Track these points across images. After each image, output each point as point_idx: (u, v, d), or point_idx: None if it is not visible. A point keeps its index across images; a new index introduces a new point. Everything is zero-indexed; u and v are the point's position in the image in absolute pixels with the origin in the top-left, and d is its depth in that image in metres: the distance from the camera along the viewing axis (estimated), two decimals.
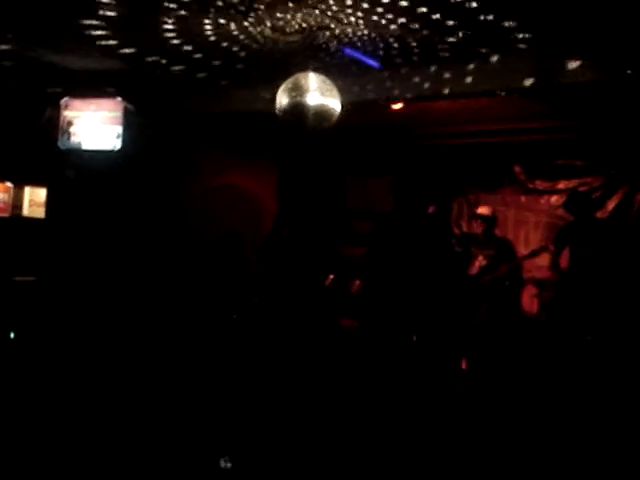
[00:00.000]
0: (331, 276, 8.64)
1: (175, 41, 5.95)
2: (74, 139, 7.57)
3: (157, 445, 5.01)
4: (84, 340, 7.37)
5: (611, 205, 8.36)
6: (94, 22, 5.49)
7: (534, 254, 7.92)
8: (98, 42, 6.00)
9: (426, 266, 8.77)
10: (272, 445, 5.14)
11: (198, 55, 6.35)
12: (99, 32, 5.73)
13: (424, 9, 4.99)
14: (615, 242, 7.49)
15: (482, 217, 8.00)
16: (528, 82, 5.98)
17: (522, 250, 8.72)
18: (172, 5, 5.08)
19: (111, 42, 6.01)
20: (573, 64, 5.73)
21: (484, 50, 5.88)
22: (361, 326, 8.17)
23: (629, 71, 5.55)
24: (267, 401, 6.14)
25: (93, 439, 5.05)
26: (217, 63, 6.57)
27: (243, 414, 5.80)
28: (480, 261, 7.86)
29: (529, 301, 8.60)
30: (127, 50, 6.26)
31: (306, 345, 7.71)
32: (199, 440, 5.17)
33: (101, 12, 5.26)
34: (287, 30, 5.56)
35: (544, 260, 8.32)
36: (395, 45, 5.83)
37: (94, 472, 4.52)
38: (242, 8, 5.12)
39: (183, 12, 5.23)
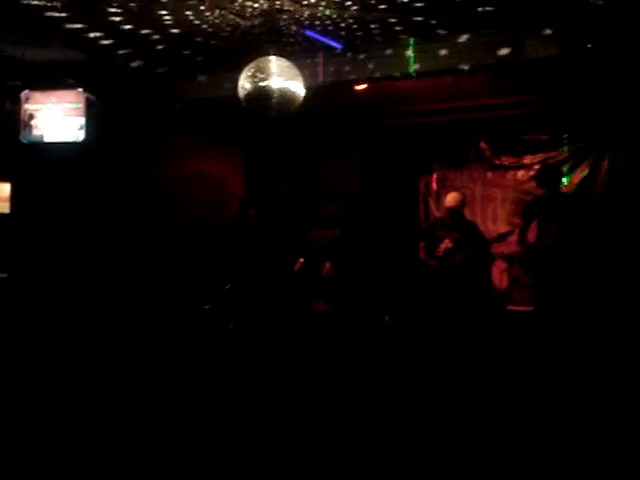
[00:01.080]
0: (301, 260, 8.65)
1: (131, 28, 5.88)
2: (36, 132, 7.48)
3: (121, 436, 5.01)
4: (57, 334, 7.33)
5: (576, 178, 8.44)
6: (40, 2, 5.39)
7: (501, 238, 7.97)
8: (52, 29, 5.90)
9: (393, 248, 8.84)
10: (246, 428, 5.16)
11: (157, 43, 6.29)
12: (50, 14, 5.62)
13: None
14: (581, 215, 7.56)
15: (450, 210, 8.02)
16: (490, 59, 5.99)
17: (490, 226, 8.80)
18: None
19: (67, 27, 5.91)
20: (534, 39, 5.75)
21: (445, 28, 5.88)
22: (333, 308, 8.19)
23: (589, 45, 5.59)
24: (243, 386, 6.15)
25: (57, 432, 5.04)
26: (177, 50, 6.52)
27: (219, 399, 5.81)
28: (446, 244, 7.90)
29: (499, 276, 8.68)
30: (85, 39, 6.18)
31: (279, 329, 7.72)
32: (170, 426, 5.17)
33: None
34: (247, 14, 5.53)
35: (512, 235, 8.39)
36: (356, 26, 5.82)
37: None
38: None
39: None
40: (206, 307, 7.58)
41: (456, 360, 6.86)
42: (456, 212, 7.98)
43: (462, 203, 8.07)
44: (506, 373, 6.48)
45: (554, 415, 5.37)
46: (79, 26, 5.89)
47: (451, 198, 8.08)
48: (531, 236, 7.56)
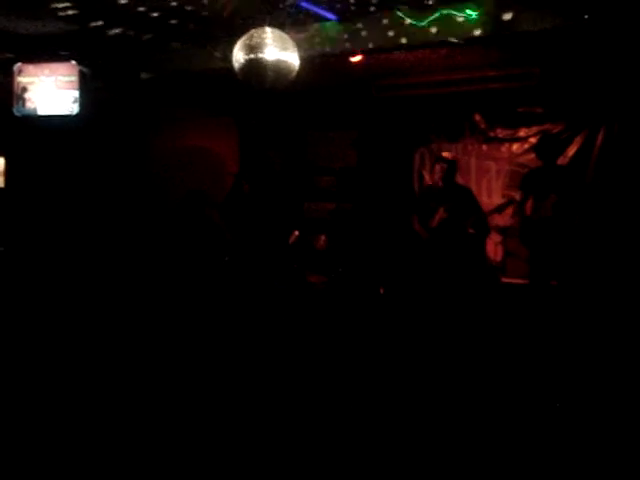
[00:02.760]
0: (296, 232, 8.65)
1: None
2: (29, 105, 7.45)
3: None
4: (53, 306, 7.34)
5: (571, 151, 8.43)
6: None
7: (500, 209, 7.96)
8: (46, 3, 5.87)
9: (389, 220, 8.82)
10: (242, 405, 5.18)
11: (151, 14, 6.24)
12: None
13: None
14: (576, 188, 7.57)
15: (444, 159, 7.91)
16: (485, 31, 5.96)
17: (484, 198, 8.79)
18: None
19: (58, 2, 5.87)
20: (529, 12, 5.72)
21: None
22: (328, 281, 8.21)
23: (586, 16, 5.56)
24: (240, 362, 6.17)
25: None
26: (172, 21, 6.47)
27: (214, 376, 5.83)
28: (440, 214, 7.84)
29: (493, 248, 8.70)
30: (77, 10, 6.13)
31: (275, 303, 7.74)
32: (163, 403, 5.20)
33: None
34: None
35: (507, 207, 8.40)
36: None
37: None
38: None
39: None
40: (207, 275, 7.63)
41: (450, 332, 6.88)
42: (450, 162, 7.81)
43: (454, 159, 7.97)
44: (499, 345, 6.51)
45: (548, 390, 5.40)
46: (72, 4, 5.88)
47: (446, 152, 8.10)
48: (528, 209, 7.57)
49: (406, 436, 4.61)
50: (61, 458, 4.27)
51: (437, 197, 7.89)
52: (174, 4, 5.93)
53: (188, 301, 7.57)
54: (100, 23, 6.50)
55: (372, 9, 6.12)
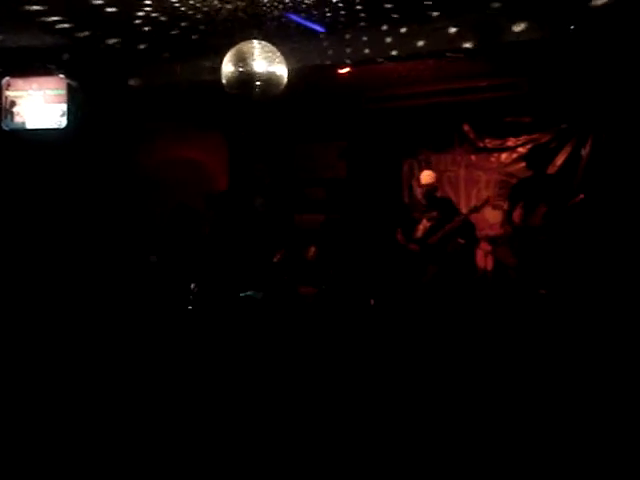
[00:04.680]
0: (282, 251, 8.64)
1: (113, 12, 5.82)
2: (18, 119, 7.44)
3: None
4: (36, 324, 7.31)
5: (559, 160, 8.46)
6: None
7: (476, 209, 7.99)
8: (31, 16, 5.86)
9: (378, 231, 8.84)
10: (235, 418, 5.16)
11: (139, 27, 6.24)
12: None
13: None
14: (564, 197, 7.60)
15: (425, 187, 8.09)
16: (473, 42, 5.98)
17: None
18: None
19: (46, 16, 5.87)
20: (517, 23, 5.74)
21: (429, 10, 5.86)
22: (319, 292, 8.20)
23: (572, 27, 5.59)
24: (230, 373, 6.15)
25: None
26: (160, 35, 6.47)
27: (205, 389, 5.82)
28: (424, 224, 7.94)
29: (483, 258, 8.71)
30: (65, 24, 6.13)
31: (267, 316, 7.73)
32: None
33: None
34: None
35: (496, 217, 8.42)
36: (340, 7, 5.79)
37: None
38: None
39: None
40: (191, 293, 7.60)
41: (441, 342, 6.88)
42: (432, 189, 8.04)
43: (436, 180, 8.16)
44: (490, 354, 6.51)
45: (540, 399, 5.40)
46: (59, 17, 5.87)
47: (426, 176, 8.17)
48: (516, 218, 7.60)
49: (397, 448, 4.60)
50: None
51: (419, 208, 8.05)
52: (162, 17, 5.94)
53: (173, 314, 7.57)
54: (88, 35, 6.49)
55: (360, 21, 6.13)
